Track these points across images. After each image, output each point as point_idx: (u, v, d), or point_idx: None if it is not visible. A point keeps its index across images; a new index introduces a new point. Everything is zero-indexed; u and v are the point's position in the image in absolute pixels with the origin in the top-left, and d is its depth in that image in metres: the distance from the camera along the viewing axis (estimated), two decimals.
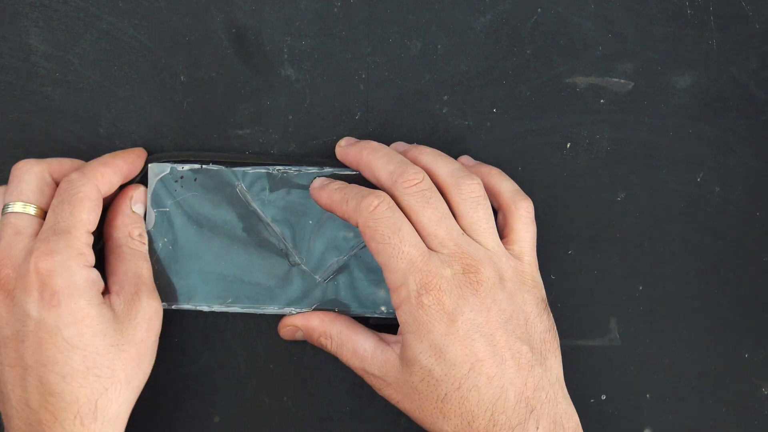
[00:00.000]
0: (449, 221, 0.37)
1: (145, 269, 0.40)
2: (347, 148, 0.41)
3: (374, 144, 0.40)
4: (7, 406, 0.36)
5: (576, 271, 0.44)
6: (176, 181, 0.41)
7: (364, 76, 0.42)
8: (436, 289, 0.36)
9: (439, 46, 0.42)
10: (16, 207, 0.38)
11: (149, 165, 0.41)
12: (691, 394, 0.44)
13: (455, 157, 0.42)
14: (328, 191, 0.39)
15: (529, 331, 0.37)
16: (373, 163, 0.39)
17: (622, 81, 0.43)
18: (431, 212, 0.37)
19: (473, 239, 0.38)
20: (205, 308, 0.41)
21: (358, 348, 0.39)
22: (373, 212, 0.37)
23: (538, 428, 0.35)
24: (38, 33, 0.42)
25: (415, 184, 0.37)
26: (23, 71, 0.42)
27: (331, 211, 0.39)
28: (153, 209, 0.41)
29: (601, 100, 0.43)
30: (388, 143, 0.43)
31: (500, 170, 0.41)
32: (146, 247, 0.40)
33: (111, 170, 0.39)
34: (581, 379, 0.44)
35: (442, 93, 0.43)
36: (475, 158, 0.43)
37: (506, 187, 0.40)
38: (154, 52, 0.42)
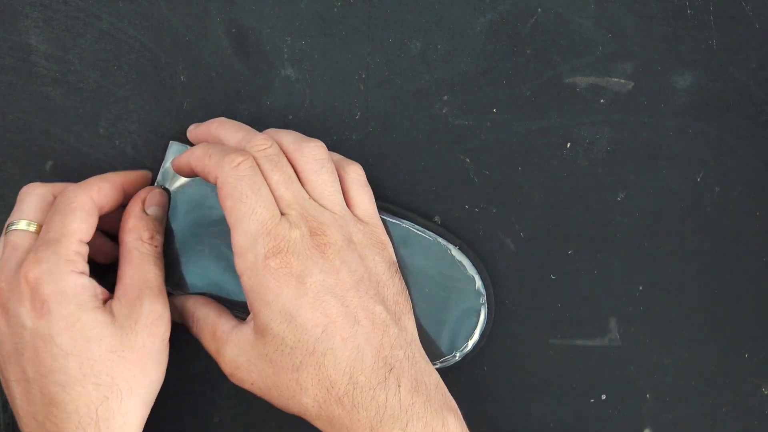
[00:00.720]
0: (296, 185, 0.37)
1: (153, 273, 0.38)
2: (196, 128, 0.41)
3: (222, 118, 0.40)
4: (19, 422, 0.37)
5: (576, 271, 0.44)
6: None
7: (364, 76, 0.42)
8: (284, 252, 0.35)
9: (439, 46, 0.42)
10: (19, 225, 0.38)
11: (171, 142, 0.42)
12: (691, 394, 0.44)
13: (455, 154, 0.42)
14: (190, 151, 0.38)
15: (381, 292, 0.37)
16: (222, 134, 0.39)
17: (622, 81, 0.43)
18: (279, 175, 0.37)
19: (319, 203, 0.38)
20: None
21: (217, 330, 0.38)
22: (235, 168, 0.36)
23: (399, 386, 0.35)
24: (38, 33, 0.42)
25: (263, 149, 0.37)
26: (23, 71, 0.42)
27: (192, 173, 0.38)
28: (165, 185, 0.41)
29: (601, 100, 0.43)
30: (388, 143, 0.43)
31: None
32: (158, 250, 0.39)
33: (108, 184, 0.39)
34: (581, 379, 0.44)
35: (442, 93, 0.43)
36: (476, 158, 0.43)
37: (334, 156, 0.40)
38: (154, 52, 0.42)
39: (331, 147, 0.43)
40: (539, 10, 0.42)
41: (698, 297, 0.44)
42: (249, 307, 0.36)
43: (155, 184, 0.42)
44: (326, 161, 0.38)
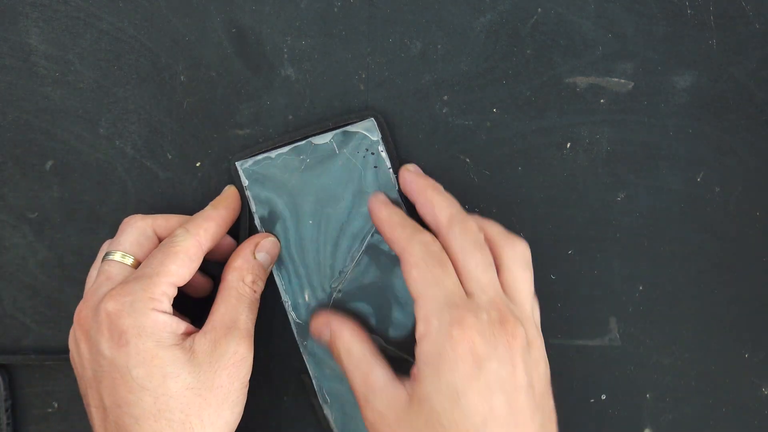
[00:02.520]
0: (494, 273, 0.37)
1: (245, 316, 0.38)
2: (415, 177, 0.40)
3: (438, 184, 0.40)
4: None
5: (576, 271, 0.44)
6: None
7: (364, 76, 0.42)
8: (470, 327, 0.34)
9: (439, 46, 0.42)
10: (114, 256, 0.39)
11: (236, 163, 0.42)
12: (691, 394, 0.44)
13: (455, 154, 0.42)
14: (389, 211, 0.39)
15: (542, 405, 0.36)
16: (436, 201, 0.39)
17: (622, 81, 0.43)
18: (481, 257, 0.37)
19: (510, 299, 0.37)
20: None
21: (371, 376, 0.37)
22: (425, 244, 0.36)
23: None
24: (38, 33, 0.42)
25: (472, 231, 0.37)
26: (23, 71, 0.42)
27: (380, 229, 0.39)
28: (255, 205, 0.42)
29: (601, 100, 0.43)
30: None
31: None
32: (256, 295, 0.39)
33: (214, 223, 0.39)
34: (581, 379, 0.44)
35: (442, 93, 0.43)
36: (476, 158, 0.43)
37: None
38: (154, 52, 0.42)
39: None
40: (539, 10, 0.42)
41: (698, 297, 0.44)
42: (416, 372, 0.35)
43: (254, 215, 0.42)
44: (530, 263, 0.38)
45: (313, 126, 0.42)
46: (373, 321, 0.41)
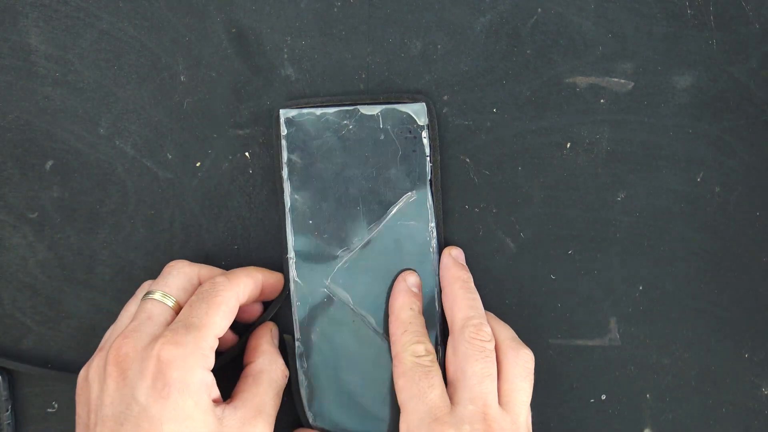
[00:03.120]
0: (491, 383, 0.38)
1: (273, 402, 0.39)
2: (451, 265, 0.42)
3: (472, 284, 0.42)
4: None
5: (576, 271, 0.44)
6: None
7: (364, 76, 0.42)
8: None
9: (439, 46, 0.42)
10: (156, 295, 0.38)
11: (280, 110, 0.41)
12: (691, 394, 0.44)
13: (455, 155, 0.42)
14: (404, 303, 0.40)
15: None
16: (458, 299, 0.40)
17: (622, 81, 0.43)
18: (480, 368, 0.38)
19: (505, 408, 0.38)
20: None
21: None
22: (417, 357, 0.39)
23: None
24: (38, 33, 0.42)
25: (482, 340, 0.39)
26: (23, 71, 0.42)
27: (389, 313, 0.41)
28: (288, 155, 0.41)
29: (601, 100, 0.43)
30: None
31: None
32: (284, 382, 0.40)
33: (253, 282, 0.40)
34: (581, 379, 0.44)
35: (442, 93, 0.43)
36: (476, 158, 0.43)
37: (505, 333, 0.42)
38: (154, 52, 0.42)
39: None
40: (539, 10, 0.42)
41: (698, 297, 0.44)
42: None
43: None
44: (531, 373, 0.40)
45: (363, 96, 0.42)
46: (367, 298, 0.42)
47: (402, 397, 0.38)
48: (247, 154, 0.43)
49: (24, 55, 0.42)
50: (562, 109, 0.43)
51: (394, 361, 0.39)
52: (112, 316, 0.44)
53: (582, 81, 0.43)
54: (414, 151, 0.41)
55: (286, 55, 0.42)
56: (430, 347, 0.39)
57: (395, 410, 0.41)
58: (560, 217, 0.43)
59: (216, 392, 0.37)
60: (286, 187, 0.41)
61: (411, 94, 0.42)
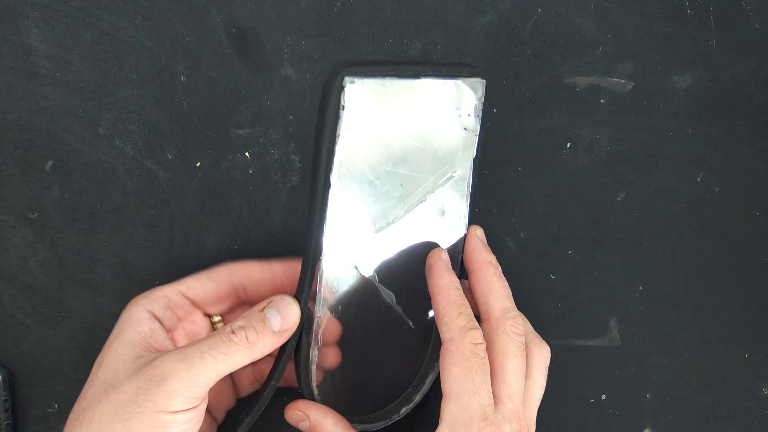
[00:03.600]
0: (523, 380, 0.38)
1: (204, 357, 0.35)
2: (482, 248, 0.39)
3: (500, 276, 0.39)
4: None
5: (576, 271, 0.44)
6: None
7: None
8: None
9: (439, 46, 0.42)
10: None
11: (346, 78, 0.36)
12: (691, 394, 0.44)
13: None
14: (450, 282, 0.38)
15: None
16: (495, 287, 0.38)
17: (622, 81, 0.43)
18: (519, 364, 0.37)
19: (528, 403, 0.38)
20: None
21: None
22: (475, 345, 0.36)
23: None
24: (38, 33, 0.42)
25: (520, 333, 0.37)
26: (23, 71, 0.42)
27: (433, 296, 0.38)
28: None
29: (601, 100, 0.43)
30: None
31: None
32: (236, 350, 0.35)
33: (258, 268, 0.40)
34: (581, 379, 0.44)
35: None
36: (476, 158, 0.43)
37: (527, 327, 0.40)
38: (154, 52, 0.42)
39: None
40: (539, 10, 0.42)
41: (698, 297, 0.44)
42: None
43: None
44: (547, 367, 0.39)
45: (425, 65, 0.38)
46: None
47: (453, 387, 0.36)
48: (247, 154, 0.43)
49: (24, 55, 0.42)
50: (562, 109, 0.43)
51: (448, 346, 0.36)
52: (112, 316, 0.44)
53: (582, 81, 0.43)
54: (465, 129, 0.39)
55: (286, 55, 0.42)
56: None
57: (410, 391, 0.41)
58: (560, 217, 0.43)
59: (160, 341, 0.37)
60: (336, 160, 0.37)
61: (469, 67, 0.38)
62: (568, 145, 0.43)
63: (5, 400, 0.44)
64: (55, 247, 0.44)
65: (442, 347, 0.37)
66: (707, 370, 0.45)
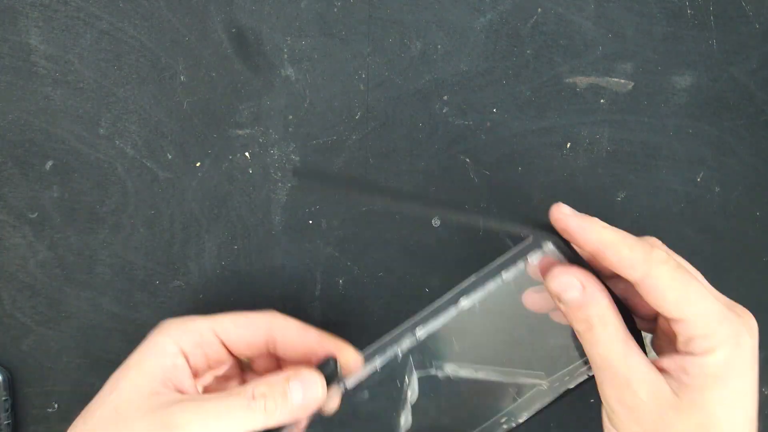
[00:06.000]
0: None
1: (219, 412, 0.34)
2: (578, 223, 0.35)
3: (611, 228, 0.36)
4: None
5: None
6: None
7: (364, 76, 0.42)
8: (752, 336, 0.35)
9: (439, 46, 0.42)
10: None
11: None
12: None
13: (455, 154, 0.42)
14: (593, 228, 0.34)
15: None
16: (620, 239, 0.35)
17: (622, 81, 0.43)
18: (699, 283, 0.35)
19: None
20: None
21: (632, 358, 0.34)
22: (668, 262, 0.34)
23: None
24: (38, 33, 0.42)
25: (668, 258, 0.34)
26: (23, 71, 0.42)
27: (598, 253, 0.34)
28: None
29: (601, 100, 0.43)
30: (388, 143, 0.43)
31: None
32: (253, 415, 0.35)
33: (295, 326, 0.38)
34: None
35: (442, 93, 0.43)
36: (476, 158, 0.43)
37: None
38: (154, 52, 0.42)
39: (332, 147, 0.43)
40: (539, 10, 0.42)
41: None
42: (694, 381, 0.33)
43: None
44: None
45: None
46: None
47: (682, 309, 0.33)
48: (247, 154, 0.43)
49: (24, 55, 0.42)
50: (562, 109, 0.43)
51: (646, 283, 0.34)
52: (112, 316, 0.44)
53: (582, 81, 0.43)
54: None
55: (286, 55, 0.42)
56: None
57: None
58: None
59: (180, 379, 0.36)
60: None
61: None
62: (568, 145, 0.43)
63: (5, 400, 0.44)
64: (55, 247, 0.44)
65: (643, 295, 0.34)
66: None
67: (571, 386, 0.39)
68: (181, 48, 0.42)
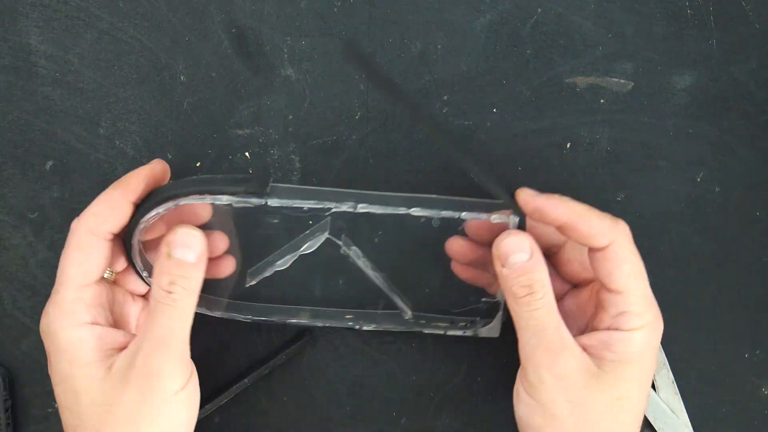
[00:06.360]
0: None
1: (166, 327, 0.35)
2: (548, 200, 0.36)
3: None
4: None
5: None
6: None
7: (364, 76, 0.42)
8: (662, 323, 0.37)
9: (439, 46, 0.42)
10: None
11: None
12: (691, 394, 0.44)
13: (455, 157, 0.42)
14: (564, 203, 0.35)
15: None
16: (590, 209, 0.36)
17: (622, 81, 0.43)
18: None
19: None
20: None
21: (563, 331, 0.36)
22: (629, 235, 0.36)
23: None
24: (38, 33, 0.42)
25: (629, 231, 0.37)
26: (23, 71, 0.42)
27: (567, 224, 0.35)
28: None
29: (601, 100, 0.43)
30: (388, 143, 0.43)
31: None
32: (179, 299, 0.35)
33: (103, 205, 0.36)
34: None
35: (442, 93, 0.43)
36: (476, 158, 0.43)
37: None
38: (154, 52, 0.42)
39: (332, 147, 0.43)
40: (539, 10, 0.42)
41: (698, 297, 0.44)
42: (617, 356, 0.35)
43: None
44: None
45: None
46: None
47: (629, 283, 0.36)
48: (247, 154, 0.43)
49: (24, 55, 0.42)
50: (562, 109, 0.43)
51: (609, 250, 0.35)
52: None
53: (582, 81, 0.43)
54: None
55: (286, 55, 0.42)
56: None
57: None
58: None
59: (117, 340, 0.36)
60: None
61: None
62: (568, 145, 0.43)
63: (5, 400, 0.44)
64: (55, 247, 0.44)
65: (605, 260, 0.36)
66: (707, 370, 0.45)
67: (426, 331, 0.42)
68: (181, 48, 0.42)
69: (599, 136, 0.43)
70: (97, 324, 0.36)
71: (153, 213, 0.36)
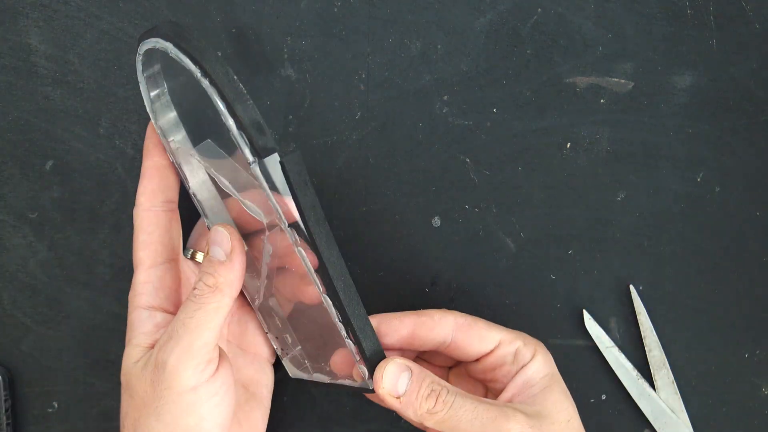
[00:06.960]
0: None
1: (178, 323, 0.34)
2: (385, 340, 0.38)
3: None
4: None
5: (576, 271, 0.44)
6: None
7: (364, 76, 0.42)
8: None
9: (439, 46, 0.42)
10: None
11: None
12: (691, 394, 0.44)
13: (455, 155, 0.42)
14: (396, 326, 0.38)
15: None
16: (417, 323, 0.38)
17: (622, 81, 0.43)
18: None
19: None
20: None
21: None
22: (453, 312, 0.39)
23: None
24: (38, 33, 0.42)
25: (448, 310, 0.39)
26: (23, 71, 0.42)
27: (413, 346, 0.38)
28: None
29: (601, 100, 0.43)
30: (388, 143, 0.43)
31: None
32: (203, 298, 0.35)
33: (146, 178, 0.37)
34: (581, 379, 0.44)
35: (442, 93, 0.43)
36: (476, 158, 0.43)
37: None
38: None
39: (332, 147, 0.43)
40: (539, 10, 0.42)
41: (698, 297, 0.44)
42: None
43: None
44: None
45: None
46: None
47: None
48: None
49: (24, 55, 0.42)
50: (562, 109, 0.43)
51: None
52: (112, 316, 0.44)
53: (582, 81, 0.43)
54: None
55: (286, 55, 0.42)
56: None
57: None
58: (560, 217, 0.43)
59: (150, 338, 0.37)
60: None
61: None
62: (568, 145, 0.43)
63: (5, 400, 0.44)
64: (55, 247, 0.44)
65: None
66: (707, 370, 0.45)
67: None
68: None
69: (599, 136, 0.43)
70: (161, 309, 0.37)
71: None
